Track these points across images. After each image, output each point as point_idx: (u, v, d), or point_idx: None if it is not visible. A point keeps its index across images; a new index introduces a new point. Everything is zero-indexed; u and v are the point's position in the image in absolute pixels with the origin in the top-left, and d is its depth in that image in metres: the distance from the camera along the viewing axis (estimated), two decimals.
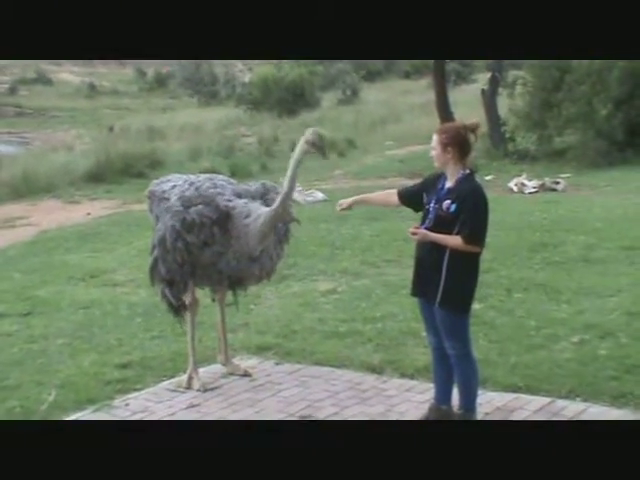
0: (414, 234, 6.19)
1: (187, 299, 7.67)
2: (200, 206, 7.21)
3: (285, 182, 7.03)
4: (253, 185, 7.74)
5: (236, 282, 7.77)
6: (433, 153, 6.29)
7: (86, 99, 65.61)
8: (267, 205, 7.33)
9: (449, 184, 6.23)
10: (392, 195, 6.73)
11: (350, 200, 6.81)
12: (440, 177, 6.35)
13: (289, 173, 7.02)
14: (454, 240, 6.06)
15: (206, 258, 7.29)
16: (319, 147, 7.05)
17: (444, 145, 6.19)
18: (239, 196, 7.40)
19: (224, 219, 7.18)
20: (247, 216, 7.14)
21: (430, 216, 6.23)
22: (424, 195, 6.38)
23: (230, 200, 7.28)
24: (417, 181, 6.78)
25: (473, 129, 6.28)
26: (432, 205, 6.24)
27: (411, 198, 6.53)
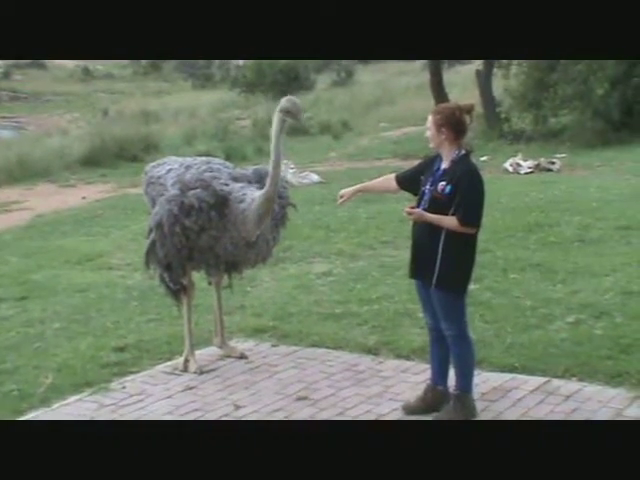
0: (410, 214, 6.20)
1: (184, 282, 7.67)
2: (198, 190, 7.19)
3: (270, 160, 7.02)
4: (250, 169, 7.74)
5: (232, 266, 7.77)
6: (428, 134, 6.29)
7: (81, 83, 65.42)
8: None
9: (444, 165, 6.22)
10: (391, 180, 6.72)
11: (351, 191, 6.80)
12: (436, 158, 6.35)
13: (273, 150, 7.00)
14: (449, 221, 6.06)
15: (203, 242, 7.28)
16: (294, 114, 7.00)
17: (438, 126, 6.19)
18: (236, 180, 7.39)
19: (221, 203, 7.17)
20: (242, 201, 7.13)
21: (425, 198, 6.23)
22: (421, 177, 6.38)
23: (227, 184, 7.27)
24: (414, 163, 6.78)
25: (468, 110, 6.27)
26: (428, 187, 6.24)
27: (409, 182, 6.52)
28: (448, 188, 6.11)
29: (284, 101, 7.02)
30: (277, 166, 7.01)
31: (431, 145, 6.33)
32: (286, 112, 6.98)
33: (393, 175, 6.74)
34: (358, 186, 6.92)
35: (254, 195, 7.12)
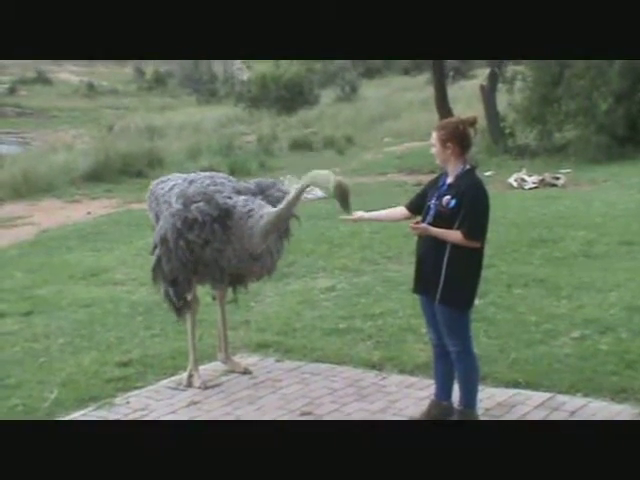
0: (414, 229, 6.20)
1: (188, 297, 7.67)
2: (201, 203, 7.21)
3: (291, 191, 7.04)
4: (252, 182, 7.76)
5: (236, 279, 7.78)
6: (433, 150, 6.29)
7: (85, 99, 65.63)
8: (268, 201, 7.33)
9: (449, 180, 6.23)
10: (398, 210, 6.68)
11: (365, 217, 6.76)
12: (441, 177, 6.35)
13: (296, 189, 7.02)
14: (454, 235, 6.06)
15: (208, 256, 7.30)
16: (342, 199, 6.67)
17: (443, 141, 6.18)
18: (239, 193, 7.41)
19: (224, 216, 7.19)
20: (250, 216, 7.14)
21: (431, 212, 6.22)
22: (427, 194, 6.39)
23: (230, 197, 7.29)
24: (417, 178, 6.78)
25: (471, 123, 6.28)
26: (433, 202, 6.24)
27: (418, 204, 6.46)
28: (453, 202, 6.11)
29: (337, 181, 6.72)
30: (292, 204, 7.06)
31: (437, 161, 6.33)
32: (336, 190, 6.67)
33: (400, 207, 6.70)
34: (371, 215, 6.84)
35: (263, 212, 7.14)
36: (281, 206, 7.09)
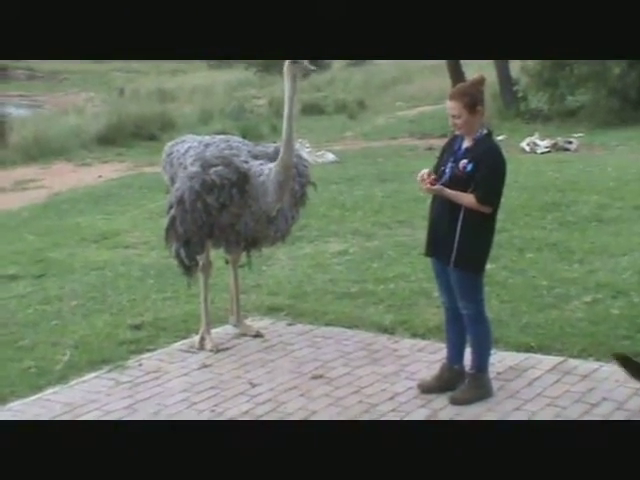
0: (430, 189, 6.15)
1: (201, 260, 7.69)
2: (219, 167, 7.21)
3: (284, 124, 7.06)
4: (270, 146, 7.74)
5: (251, 244, 7.79)
6: (457, 122, 6.12)
7: (97, 62, 65.38)
8: None
9: (467, 144, 6.17)
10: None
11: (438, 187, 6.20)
12: (456, 139, 6.30)
13: (286, 113, 7.03)
14: (468, 199, 6.03)
15: (224, 219, 7.31)
16: (300, 62, 7.02)
17: (471, 107, 6.05)
18: (256, 157, 7.41)
19: (242, 180, 7.19)
20: (261, 174, 7.15)
21: (446, 175, 6.18)
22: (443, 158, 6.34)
23: (246, 162, 7.29)
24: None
25: (481, 83, 6.23)
26: (449, 165, 6.20)
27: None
28: (470, 166, 6.07)
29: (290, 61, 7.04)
30: (291, 130, 7.04)
31: (461, 131, 6.19)
32: (294, 64, 6.99)
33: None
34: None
35: (270, 166, 7.15)
36: (281, 152, 7.08)
